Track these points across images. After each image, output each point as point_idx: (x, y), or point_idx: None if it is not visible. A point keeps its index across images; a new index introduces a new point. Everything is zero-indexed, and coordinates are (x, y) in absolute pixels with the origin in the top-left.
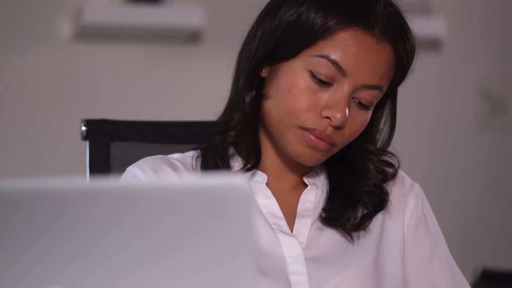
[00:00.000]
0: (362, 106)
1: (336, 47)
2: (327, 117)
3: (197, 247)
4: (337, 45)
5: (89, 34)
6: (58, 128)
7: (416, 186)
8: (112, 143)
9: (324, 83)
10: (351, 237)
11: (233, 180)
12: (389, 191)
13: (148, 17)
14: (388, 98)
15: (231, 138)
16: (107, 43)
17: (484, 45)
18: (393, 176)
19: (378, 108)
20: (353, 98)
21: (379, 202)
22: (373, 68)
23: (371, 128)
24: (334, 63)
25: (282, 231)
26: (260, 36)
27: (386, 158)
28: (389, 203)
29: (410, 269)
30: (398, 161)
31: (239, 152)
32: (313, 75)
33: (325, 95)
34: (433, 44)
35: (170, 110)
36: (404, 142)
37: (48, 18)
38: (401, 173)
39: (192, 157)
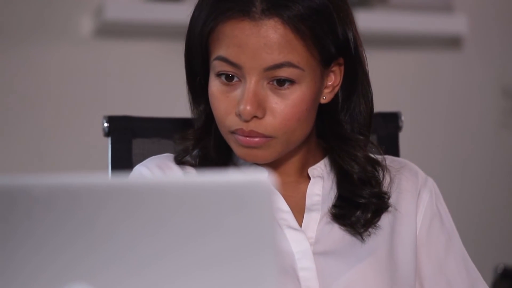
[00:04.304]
0: (282, 87)
1: (221, 45)
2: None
3: (221, 243)
4: (221, 42)
5: (110, 31)
6: (80, 125)
7: (430, 181)
8: (134, 139)
9: (231, 82)
10: (362, 237)
11: (257, 176)
12: (395, 188)
13: (169, 14)
14: (349, 71)
15: (190, 146)
16: (128, 40)
17: (506, 42)
18: (383, 177)
19: (348, 84)
20: (269, 83)
21: (380, 206)
22: (264, 49)
23: (343, 108)
24: (225, 60)
25: (289, 226)
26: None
27: (372, 154)
28: (389, 203)
29: (425, 265)
30: (380, 152)
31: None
32: (219, 79)
33: (237, 93)
34: (454, 42)
35: None
36: (424, 140)
37: (69, 14)
38: (415, 167)
39: (193, 155)
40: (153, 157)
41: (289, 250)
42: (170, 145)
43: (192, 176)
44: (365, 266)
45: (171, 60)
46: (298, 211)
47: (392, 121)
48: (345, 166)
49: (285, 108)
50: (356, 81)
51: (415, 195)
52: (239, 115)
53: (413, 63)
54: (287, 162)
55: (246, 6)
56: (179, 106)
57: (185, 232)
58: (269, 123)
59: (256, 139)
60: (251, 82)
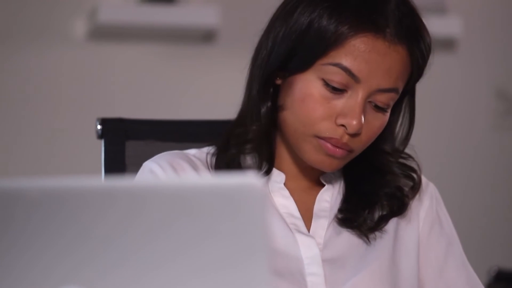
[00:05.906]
0: (379, 109)
1: (347, 54)
2: (343, 125)
3: (213, 247)
4: (349, 52)
5: (104, 33)
6: (74, 127)
7: (431, 186)
8: (127, 141)
9: (338, 91)
10: (368, 239)
11: (249, 180)
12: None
13: (162, 17)
14: (406, 95)
15: (248, 150)
16: (122, 43)
17: (500, 44)
18: (419, 184)
19: (396, 106)
20: (369, 102)
21: (398, 205)
22: (387, 72)
23: (389, 127)
24: (346, 70)
25: (299, 231)
26: (271, 45)
27: (405, 161)
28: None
29: (425, 270)
30: (418, 165)
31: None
32: (326, 83)
33: (340, 103)
34: (449, 44)
35: (185, 109)
36: (420, 142)
37: (63, 17)
38: None
39: (207, 153)
40: (164, 153)
41: (299, 255)
42: (163, 147)
43: (184, 179)
44: (370, 271)
45: (165, 62)
46: (309, 217)
47: None
48: (382, 166)
49: (373, 128)
50: (402, 105)
51: (416, 200)
52: (342, 125)
53: None
54: (306, 167)
55: (382, 25)
56: (173, 108)
57: (180, 236)
58: (359, 139)
59: (342, 151)
60: (362, 97)
